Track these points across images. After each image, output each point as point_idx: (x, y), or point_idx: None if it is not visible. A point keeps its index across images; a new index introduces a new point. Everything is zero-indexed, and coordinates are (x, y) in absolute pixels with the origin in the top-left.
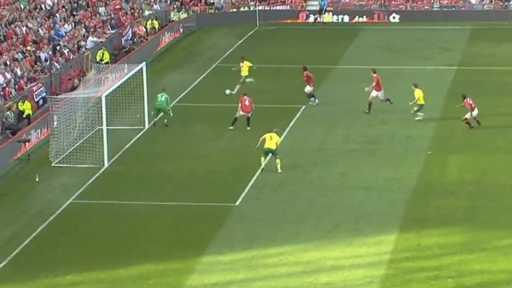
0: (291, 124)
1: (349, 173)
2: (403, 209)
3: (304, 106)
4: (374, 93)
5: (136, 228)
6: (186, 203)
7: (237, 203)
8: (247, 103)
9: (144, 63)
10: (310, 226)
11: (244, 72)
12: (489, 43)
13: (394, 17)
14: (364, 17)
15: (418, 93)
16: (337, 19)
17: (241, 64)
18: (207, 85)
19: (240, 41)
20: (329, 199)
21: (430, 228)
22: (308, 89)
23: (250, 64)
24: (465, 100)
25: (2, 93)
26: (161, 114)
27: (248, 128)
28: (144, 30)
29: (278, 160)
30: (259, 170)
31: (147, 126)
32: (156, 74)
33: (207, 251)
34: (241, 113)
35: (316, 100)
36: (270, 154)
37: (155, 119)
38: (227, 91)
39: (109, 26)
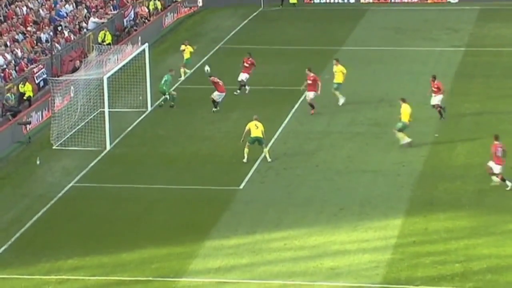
0: (296, 107)
1: (355, 156)
2: (410, 193)
3: None
4: (310, 94)
5: (139, 212)
6: (190, 187)
7: (241, 187)
8: (221, 83)
9: (146, 44)
10: (315, 210)
11: (187, 55)
12: (498, 24)
13: None
14: None
15: (340, 69)
16: None
17: (184, 48)
18: (211, 67)
19: (244, 22)
20: (335, 182)
21: (437, 212)
22: (244, 76)
23: (192, 50)
24: (434, 82)
25: (2, 74)
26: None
27: (215, 109)
28: (147, 10)
29: (266, 149)
30: (244, 160)
31: (150, 108)
32: (159, 56)
33: (210, 235)
34: (219, 93)
35: (248, 88)
36: (257, 143)
37: (158, 103)
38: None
39: (111, 7)
